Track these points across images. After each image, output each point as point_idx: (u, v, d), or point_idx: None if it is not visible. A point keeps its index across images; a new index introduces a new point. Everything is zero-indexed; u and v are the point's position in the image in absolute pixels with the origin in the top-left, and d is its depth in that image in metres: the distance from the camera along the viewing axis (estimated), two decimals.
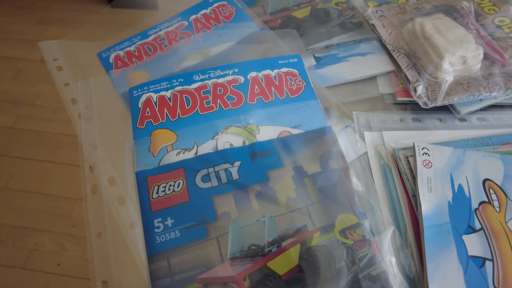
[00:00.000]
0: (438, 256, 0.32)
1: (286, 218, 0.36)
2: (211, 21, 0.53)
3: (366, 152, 0.41)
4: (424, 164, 0.37)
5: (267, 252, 0.34)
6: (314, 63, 0.48)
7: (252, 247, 0.34)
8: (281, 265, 0.33)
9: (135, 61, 0.49)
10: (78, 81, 0.47)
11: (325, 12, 0.53)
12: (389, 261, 0.34)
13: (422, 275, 0.33)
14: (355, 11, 0.53)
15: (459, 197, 0.36)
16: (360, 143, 0.41)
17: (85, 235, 0.37)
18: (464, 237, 0.33)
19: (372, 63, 0.48)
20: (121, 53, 0.50)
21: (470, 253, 0.32)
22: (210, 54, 0.49)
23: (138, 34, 0.52)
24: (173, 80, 0.45)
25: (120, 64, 0.49)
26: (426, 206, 0.34)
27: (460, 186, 0.36)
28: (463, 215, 0.35)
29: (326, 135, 0.41)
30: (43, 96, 1.44)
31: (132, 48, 0.51)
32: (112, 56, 0.50)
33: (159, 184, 0.38)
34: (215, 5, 0.55)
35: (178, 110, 0.43)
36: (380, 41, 0.50)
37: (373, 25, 0.50)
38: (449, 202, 0.35)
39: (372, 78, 0.48)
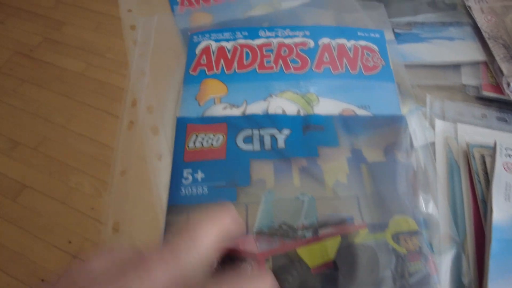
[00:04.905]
0: (505, 276, 0.27)
1: (330, 203, 0.31)
2: None
3: (433, 143, 0.35)
4: (505, 167, 0.31)
5: (300, 236, 0.29)
6: (393, 38, 0.43)
7: (284, 226, 0.30)
8: (313, 255, 0.29)
9: (201, 3, 0.47)
10: (141, 8, 0.46)
11: None
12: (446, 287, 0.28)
13: None
14: None
15: None
16: (429, 131, 0.36)
17: None
18: None
19: (459, 49, 0.42)
20: None
21: None
22: (279, 8, 0.45)
23: None
24: (236, 32, 0.42)
25: (186, 3, 0.47)
26: (500, 215, 0.29)
27: None
28: None
29: (397, 124, 0.35)
30: (114, 50, 1.51)
31: None
32: None
33: (197, 134, 0.35)
34: None
35: (235, 63, 0.40)
36: (474, 27, 0.43)
37: (469, 7, 0.44)
38: None
39: (456, 67, 0.41)
